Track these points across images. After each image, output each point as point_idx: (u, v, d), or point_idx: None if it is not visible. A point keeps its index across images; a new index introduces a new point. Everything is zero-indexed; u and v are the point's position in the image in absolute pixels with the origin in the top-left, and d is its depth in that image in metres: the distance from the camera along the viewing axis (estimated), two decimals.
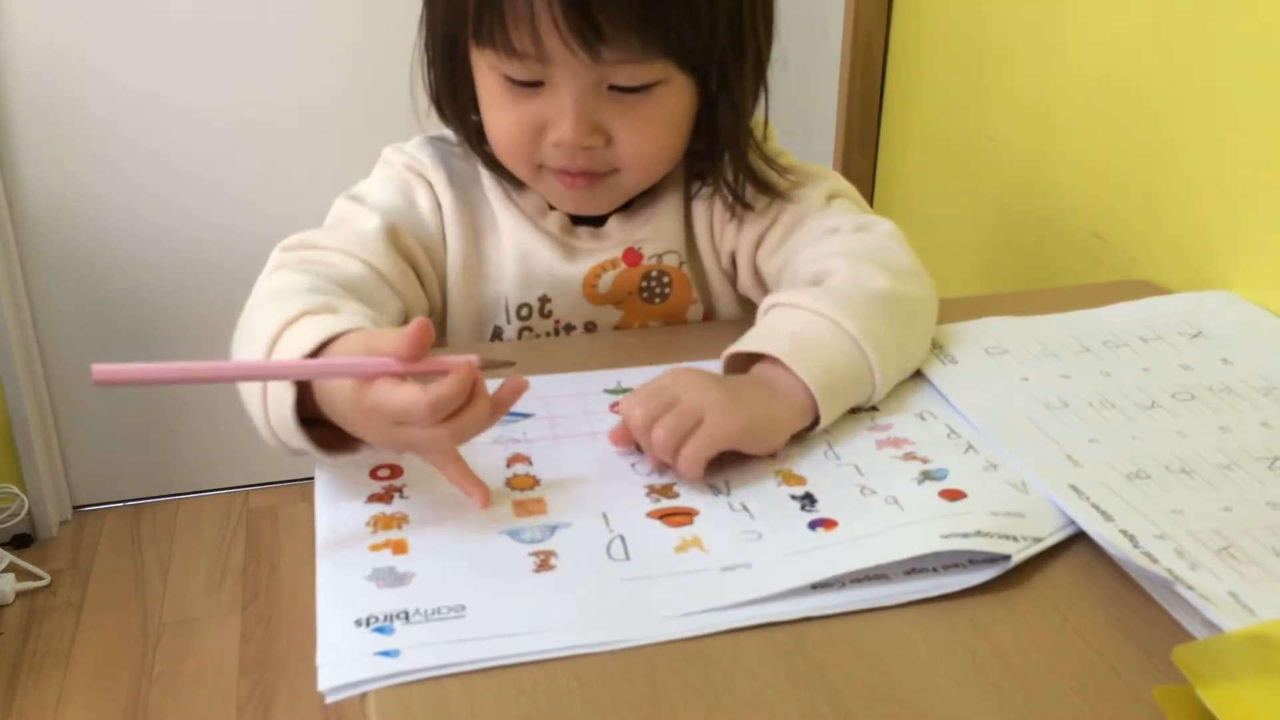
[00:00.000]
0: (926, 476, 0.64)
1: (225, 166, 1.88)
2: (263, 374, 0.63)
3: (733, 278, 0.87)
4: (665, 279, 0.86)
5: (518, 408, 0.64)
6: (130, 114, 1.81)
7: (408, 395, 0.56)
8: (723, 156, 0.81)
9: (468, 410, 0.58)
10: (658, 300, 0.87)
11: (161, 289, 1.94)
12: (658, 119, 0.76)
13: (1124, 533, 0.57)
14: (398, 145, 0.86)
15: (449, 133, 0.85)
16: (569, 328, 0.86)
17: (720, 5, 0.73)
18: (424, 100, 0.82)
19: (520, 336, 0.86)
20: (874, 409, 0.72)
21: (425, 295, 0.83)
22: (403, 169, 0.84)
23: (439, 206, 0.83)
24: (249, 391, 0.65)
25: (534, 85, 0.74)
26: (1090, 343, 0.79)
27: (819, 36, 1.38)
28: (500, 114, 0.76)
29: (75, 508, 2.05)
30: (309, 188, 1.89)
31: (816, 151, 1.42)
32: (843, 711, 0.48)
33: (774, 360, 0.69)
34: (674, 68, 0.74)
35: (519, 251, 0.83)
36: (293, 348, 0.62)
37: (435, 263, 0.83)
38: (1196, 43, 0.90)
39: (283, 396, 0.61)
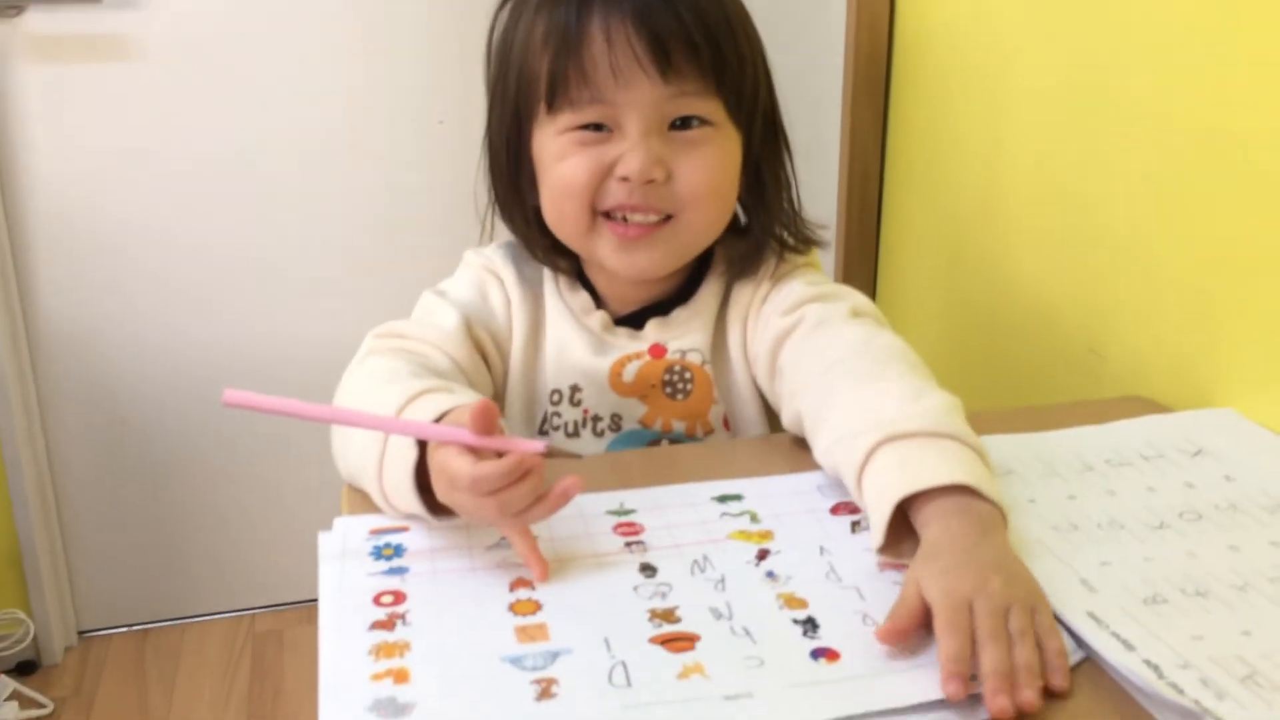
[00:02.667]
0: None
1: (235, 293, 1.89)
2: (358, 422, 0.69)
3: (759, 387, 0.88)
4: (688, 375, 0.88)
5: None
6: (143, 243, 1.83)
7: (458, 464, 0.62)
8: (770, 210, 0.88)
9: (512, 488, 0.62)
10: (680, 396, 0.88)
11: (172, 413, 1.92)
12: (712, 158, 0.82)
13: (1147, 663, 0.54)
14: (477, 249, 0.94)
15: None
16: (596, 419, 0.89)
17: (760, 64, 0.85)
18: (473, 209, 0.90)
19: (549, 421, 0.90)
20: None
21: (491, 381, 0.89)
22: (480, 269, 0.92)
23: (509, 301, 0.90)
24: (364, 460, 0.71)
25: (603, 130, 0.81)
26: (1093, 461, 0.78)
27: (818, 160, 1.39)
28: (567, 164, 0.82)
29: (80, 633, 1.99)
30: (316, 314, 1.91)
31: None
32: None
33: (944, 492, 0.63)
34: (723, 111, 0.82)
35: (558, 342, 0.89)
36: (422, 415, 0.68)
37: (502, 353, 0.90)
38: (1184, 164, 0.90)
39: (403, 458, 0.67)
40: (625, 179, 0.80)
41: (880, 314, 0.86)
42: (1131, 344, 0.96)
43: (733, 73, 0.81)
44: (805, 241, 0.90)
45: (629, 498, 0.74)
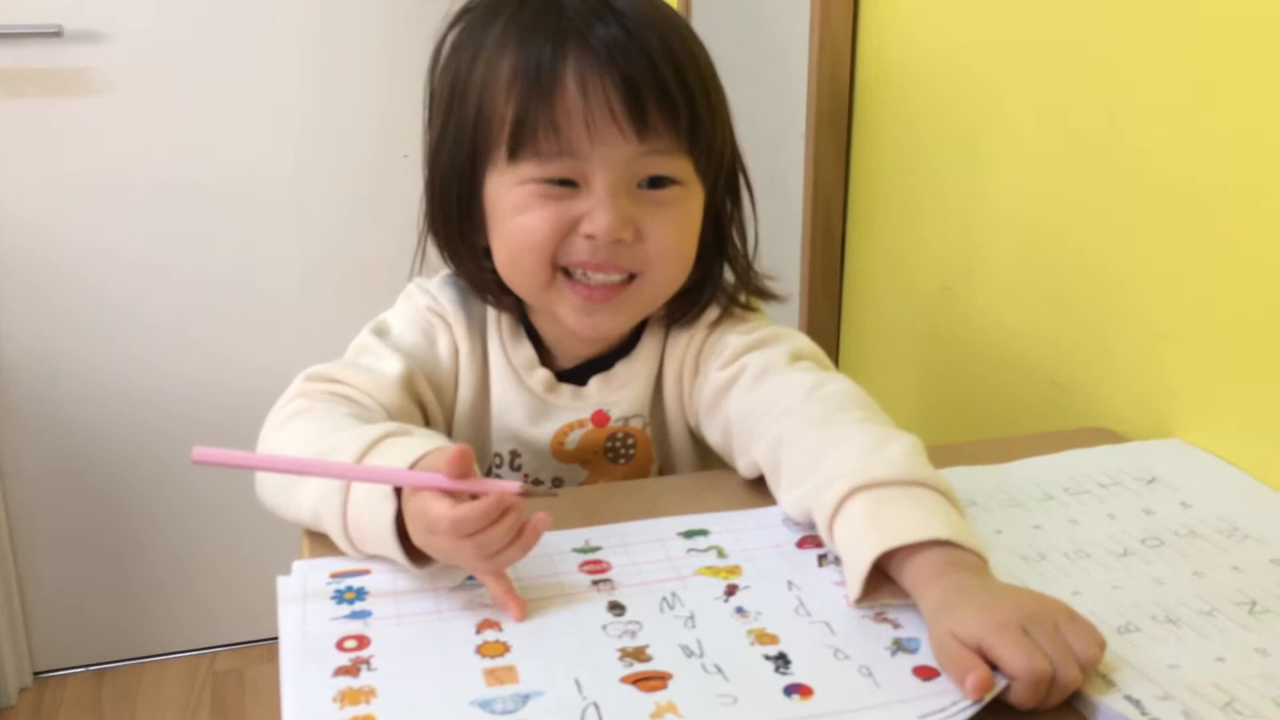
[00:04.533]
0: (899, 647, 0.59)
1: (195, 326, 1.86)
2: (330, 472, 0.66)
3: (696, 435, 0.86)
4: (630, 440, 0.85)
5: None
6: (102, 276, 1.81)
7: (438, 508, 0.60)
8: (725, 262, 0.84)
9: (489, 530, 0.60)
10: (622, 461, 0.85)
11: (130, 449, 1.88)
12: (680, 219, 0.78)
13: (1129, 699, 0.53)
14: (420, 282, 0.87)
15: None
16: (537, 482, 0.85)
17: (727, 119, 0.81)
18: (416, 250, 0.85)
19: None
20: (839, 561, 0.68)
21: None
22: (425, 310, 0.85)
23: (456, 351, 0.84)
24: (321, 507, 0.67)
25: (568, 185, 0.75)
26: (1053, 490, 0.77)
27: (780, 194, 1.39)
28: (527, 217, 0.76)
29: (36, 673, 1.93)
30: (278, 342, 1.88)
31: (785, 309, 1.43)
32: None
33: (925, 546, 0.60)
34: (692, 169, 0.78)
35: (500, 405, 0.84)
36: (393, 464, 0.65)
37: (444, 403, 0.84)
38: (1141, 195, 0.91)
39: (381, 510, 0.63)
40: (590, 236, 0.75)
41: (822, 354, 0.84)
42: (1091, 377, 0.97)
43: (705, 132, 0.77)
44: (758, 294, 0.86)
45: (594, 534, 0.72)
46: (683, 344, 0.85)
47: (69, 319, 1.80)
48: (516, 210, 0.76)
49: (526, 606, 0.63)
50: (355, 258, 1.88)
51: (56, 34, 1.66)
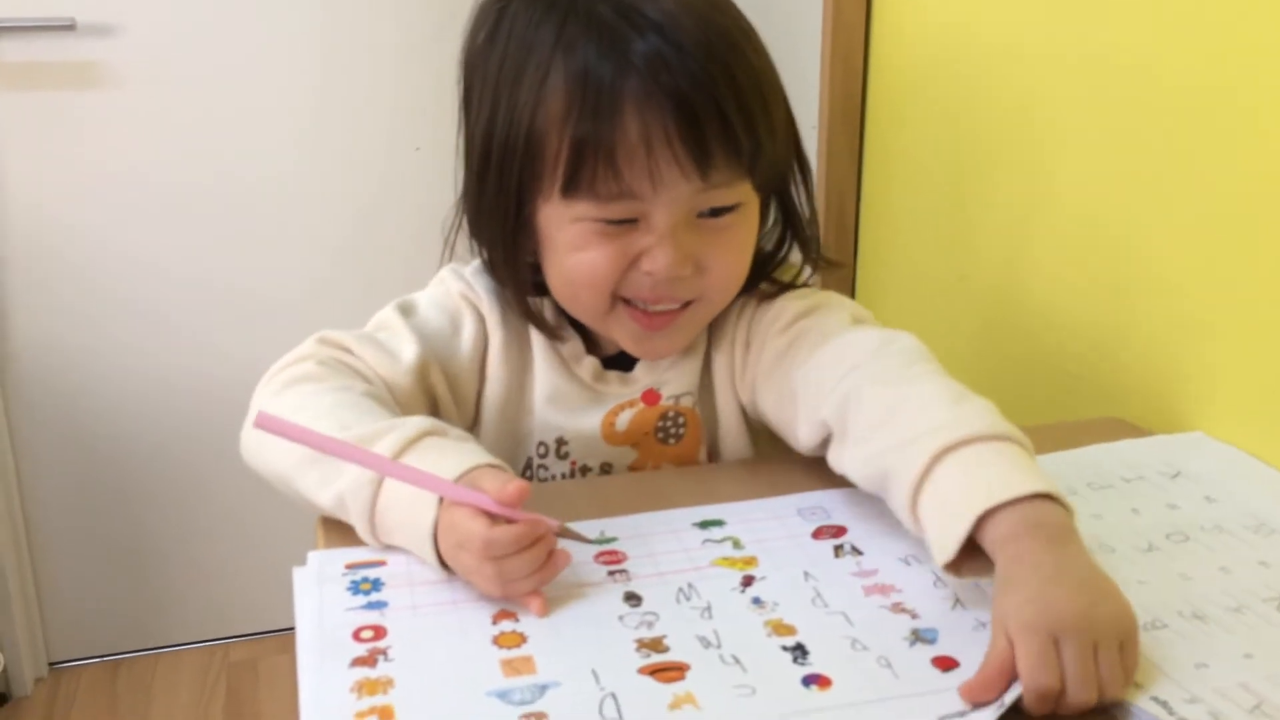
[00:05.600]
0: (917, 638, 0.59)
1: (208, 319, 1.86)
2: (384, 470, 0.65)
3: (749, 414, 0.83)
4: (680, 420, 0.83)
5: None
6: (116, 269, 1.80)
7: (472, 526, 0.61)
8: (776, 259, 0.82)
9: (517, 556, 0.60)
10: (672, 441, 0.84)
11: (145, 440, 1.88)
12: (741, 242, 0.76)
13: (1156, 699, 0.52)
14: (455, 267, 0.84)
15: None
16: (584, 469, 0.84)
17: (784, 114, 0.76)
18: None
19: (535, 473, 0.84)
20: (858, 552, 0.68)
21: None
22: (458, 296, 0.82)
23: (485, 342, 0.82)
24: (346, 492, 0.67)
25: (627, 223, 0.72)
26: (1075, 484, 0.76)
27: None
28: (587, 255, 0.73)
29: (51, 664, 1.94)
30: (289, 335, 1.87)
31: None
32: None
33: (1011, 504, 0.57)
34: (750, 188, 0.75)
35: (547, 396, 0.82)
36: (437, 469, 0.64)
37: (460, 396, 0.82)
38: (1161, 183, 0.89)
39: (422, 517, 0.63)
40: (650, 273, 0.73)
41: (870, 314, 0.82)
42: (1109, 367, 0.96)
43: (767, 155, 0.73)
44: (826, 263, 0.85)
45: (609, 526, 0.71)
46: (731, 319, 0.82)
47: (83, 312, 1.80)
48: (574, 247, 0.73)
49: (545, 599, 0.62)
50: (368, 251, 1.87)
51: (69, 27, 1.65)
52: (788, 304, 0.80)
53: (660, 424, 0.83)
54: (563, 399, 0.82)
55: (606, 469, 0.84)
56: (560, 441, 0.83)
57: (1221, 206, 0.83)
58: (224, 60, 1.75)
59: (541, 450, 0.83)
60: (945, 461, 0.60)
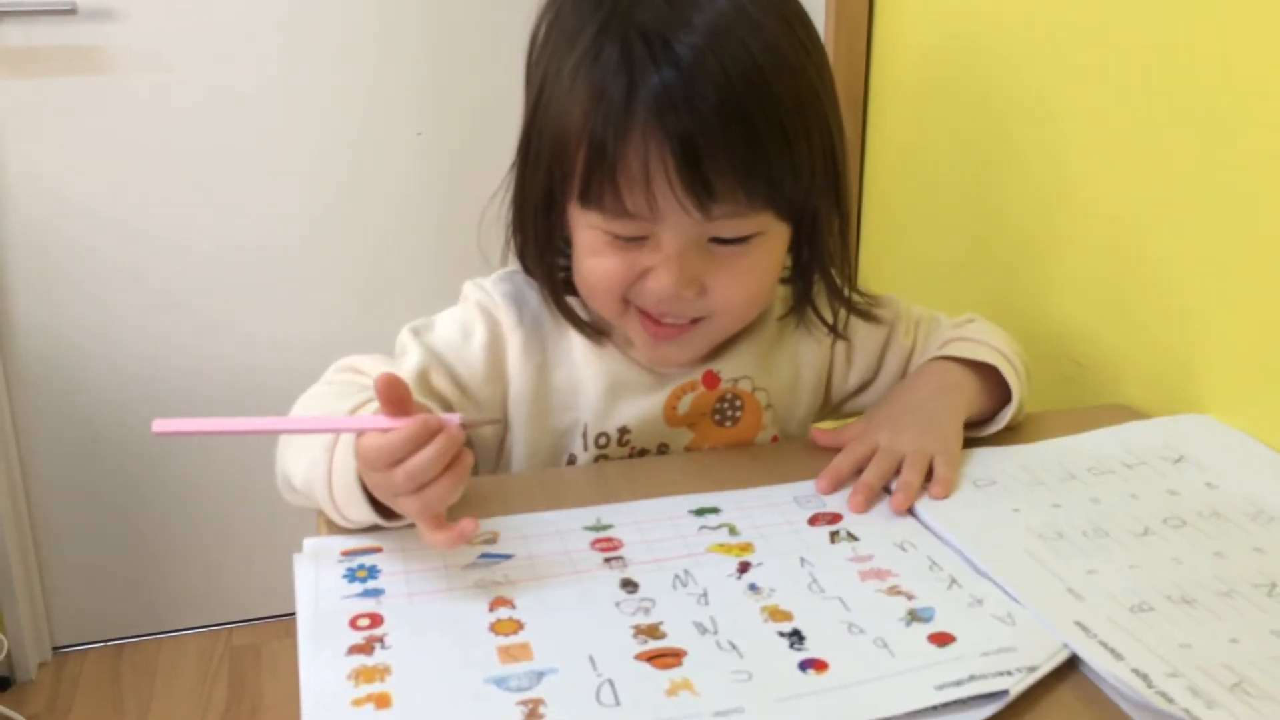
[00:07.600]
0: (914, 617, 0.60)
1: (211, 305, 1.86)
2: (280, 428, 0.69)
3: (822, 397, 0.90)
4: (738, 402, 0.85)
5: (498, 550, 0.62)
6: (119, 255, 1.81)
7: (367, 441, 0.61)
8: (812, 288, 0.83)
9: (418, 455, 0.60)
10: (728, 423, 0.86)
11: (147, 426, 1.88)
12: (753, 269, 0.76)
13: (1136, 672, 0.53)
14: (478, 281, 0.85)
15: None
16: (643, 451, 0.85)
17: (817, 150, 0.73)
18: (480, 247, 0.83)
19: (595, 462, 0.84)
20: (854, 538, 0.69)
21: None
22: (474, 305, 0.83)
23: (500, 344, 0.82)
24: (311, 475, 0.67)
25: (638, 238, 0.73)
26: (1076, 469, 0.77)
27: None
28: (599, 260, 0.75)
29: (55, 648, 1.96)
30: (293, 317, 1.88)
31: None
32: None
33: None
34: (773, 218, 0.74)
35: (606, 385, 0.82)
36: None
37: (475, 398, 0.81)
38: (1163, 169, 0.90)
39: (349, 464, 0.64)
40: (654, 289, 0.74)
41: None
42: (1114, 354, 0.96)
43: (788, 188, 0.72)
44: (858, 315, 0.85)
45: (605, 512, 0.72)
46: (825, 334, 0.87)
47: (84, 295, 1.81)
48: (589, 251, 0.76)
49: (535, 584, 0.63)
50: (373, 236, 1.88)
51: (71, 11, 1.66)
52: (901, 308, 0.92)
53: (718, 405, 0.85)
54: (624, 388, 0.82)
55: (663, 449, 0.85)
56: (623, 430, 0.83)
57: (1225, 192, 0.83)
58: (225, 44, 1.75)
59: (602, 441, 0.83)
60: (948, 348, 0.84)
